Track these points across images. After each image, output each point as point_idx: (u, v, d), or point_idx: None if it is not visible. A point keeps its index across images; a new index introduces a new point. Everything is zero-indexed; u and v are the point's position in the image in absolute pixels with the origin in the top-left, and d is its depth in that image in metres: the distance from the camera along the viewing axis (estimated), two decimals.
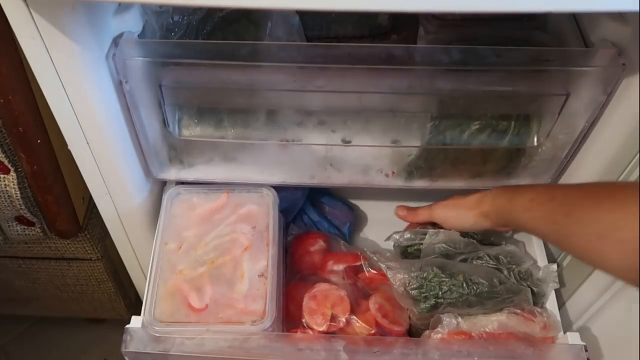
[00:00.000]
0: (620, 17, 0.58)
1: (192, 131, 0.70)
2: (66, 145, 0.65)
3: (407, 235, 0.78)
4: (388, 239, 0.81)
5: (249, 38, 0.67)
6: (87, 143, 0.64)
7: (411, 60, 0.58)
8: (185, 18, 0.66)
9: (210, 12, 0.67)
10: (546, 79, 0.62)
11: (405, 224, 0.81)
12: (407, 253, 0.79)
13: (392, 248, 0.83)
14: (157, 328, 0.65)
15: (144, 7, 0.63)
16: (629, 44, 0.58)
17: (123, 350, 0.65)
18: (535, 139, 0.68)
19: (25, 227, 0.84)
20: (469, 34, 0.67)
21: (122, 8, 0.60)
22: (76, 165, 0.67)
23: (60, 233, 0.86)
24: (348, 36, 0.73)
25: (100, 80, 0.59)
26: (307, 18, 0.71)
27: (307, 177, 0.75)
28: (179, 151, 0.74)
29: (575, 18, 0.66)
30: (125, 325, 0.67)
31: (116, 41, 0.59)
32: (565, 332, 0.69)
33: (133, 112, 0.64)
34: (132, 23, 0.62)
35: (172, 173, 0.76)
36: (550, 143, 0.68)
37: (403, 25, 0.73)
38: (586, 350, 0.67)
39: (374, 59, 0.57)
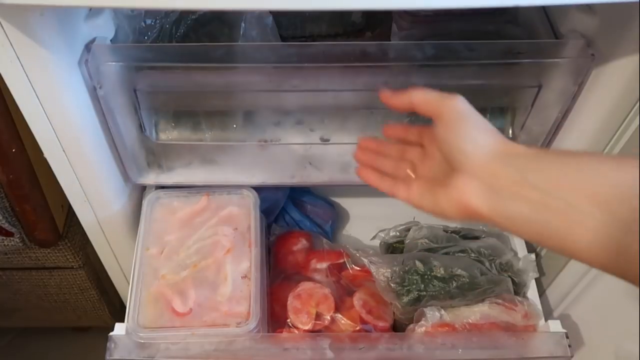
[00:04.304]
0: (588, 8, 0.59)
1: (169, 135, 0.70)
2: (42, 153, 0.64)
3: (392, 232, 0.80)
4: (374, 238, 0.81)
5: (223, 39, 0.67)
6: (63, 150, 0.63)
7: (385, 57, 0.58)
8: (158, 21, 0.66)
9: (183, 14, 0.67)
10: (518, 72, 0.62)
11: (390, 222, 0.82)
12: (392, 250, 0.80)
13: (374, 245, 0.83)
14: (141, 334, 0.65)
15: (115, 11, 0.63)
16: (597, 35, 0.59)
17: (108, 358, 0.65)
18: (510, 131, 0.69)
19: (4, 238, 0.83)
20: (442, 30, 0.67)
21: (93, 13, 0.59)
22: (54, 173, 0.67)
23: (40, 242, 0.85)
24: (322, 35, 0.73)
25: (73, 87, 0.59)
26: (281, 18, 0.71)
27: (287, 177, 0.75)
28: (157, 155, 0.73)
29: (545, 11, 0.67)
30: (110, 332, 0.66)
31: (88, 47, 0.58)
32: (546, 320, 0.71)
33: (109, 117, 0.63)
34: (104, 28, 0.61)
35: (151, 177, 0.75)
36: (525, 135, 0.69)
37: (377, 22, 0.74)
38: (567, 337, 0.68)
39: (348, 57, 0.57)
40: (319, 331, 0.72)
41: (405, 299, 0.71)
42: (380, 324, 0.73)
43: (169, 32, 0.67)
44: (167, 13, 0.66)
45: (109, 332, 0.66)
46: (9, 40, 0.51)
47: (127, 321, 0.66)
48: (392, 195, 0.52)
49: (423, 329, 0.69)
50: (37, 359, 1.24)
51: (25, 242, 0.84)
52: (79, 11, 0.58)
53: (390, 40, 0.70)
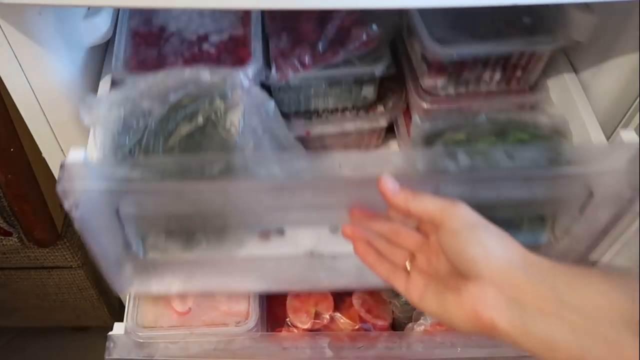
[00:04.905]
0: (586, 7, 0.58)
1: (161, 250, 0.60)
2: (41, 152, 0.64)
3: None
4: None
5: (217, 136, 0.57)
6: (62, 150, 0.63)
7: (413, 168, 0.48)
8: (142, 121, 0.55)
9: (171, 112, 0.56)
10: (566, 180, 0.53)
11: None
12: None
13: None
14: (140, 334, 0.65)
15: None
16: (596, 33, 0.58)
17: (107, 357, 0.65)
18: (552, 238, 0.60)
19: (2, 238, 0.83)
20: (468, 110, 0.62)
21: (91, 12, 0.59)
22: (52, 173, 0.67)
23: (39, 242, 0.85)
24: (329, 110, 0.68)
25: (72, 86, 0.58)
26: (283, 95, 0.64)
27: (297, 282, 0.66)
28: (146, 269, 0.63)
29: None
30: (109, 331, 0.66)
31: (62, 165, 0.47)
32: None
33: (88, 238, 0.52)
34: (102, 27, 0.61)
35: (140, 288, 0.64)
36: (569, 240, 0.60)
37: (388, 95, 0.69)
38: None
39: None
40: (318, 330, 0.72)
41: (404, 298, 0.71)
42: (379, 322, 0.73)
43: (154, 133, 0.55)
44: (151, 111, 0.55)
45: (108, 332, 0.66)
46: (7, 40, 0.51)
47: (127, 320, 0.66)
48: (388, 284, 0.47)
49: (422, 327, 0.69)
50: (37, 358, 1.24)
51: (23, 242, 0.84)
52: (77, 10, 0.58)
53: (406, 119, 0.66)
